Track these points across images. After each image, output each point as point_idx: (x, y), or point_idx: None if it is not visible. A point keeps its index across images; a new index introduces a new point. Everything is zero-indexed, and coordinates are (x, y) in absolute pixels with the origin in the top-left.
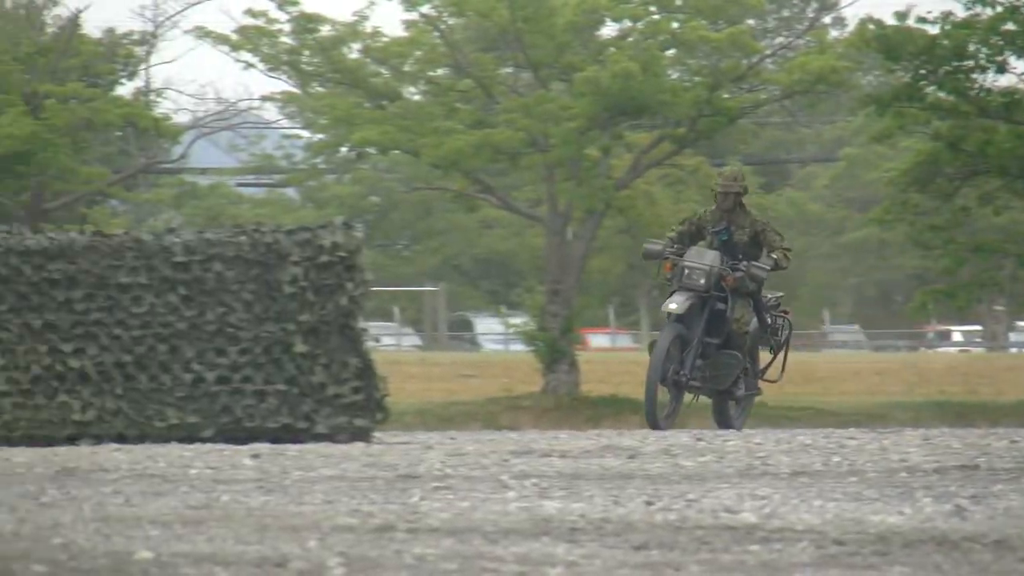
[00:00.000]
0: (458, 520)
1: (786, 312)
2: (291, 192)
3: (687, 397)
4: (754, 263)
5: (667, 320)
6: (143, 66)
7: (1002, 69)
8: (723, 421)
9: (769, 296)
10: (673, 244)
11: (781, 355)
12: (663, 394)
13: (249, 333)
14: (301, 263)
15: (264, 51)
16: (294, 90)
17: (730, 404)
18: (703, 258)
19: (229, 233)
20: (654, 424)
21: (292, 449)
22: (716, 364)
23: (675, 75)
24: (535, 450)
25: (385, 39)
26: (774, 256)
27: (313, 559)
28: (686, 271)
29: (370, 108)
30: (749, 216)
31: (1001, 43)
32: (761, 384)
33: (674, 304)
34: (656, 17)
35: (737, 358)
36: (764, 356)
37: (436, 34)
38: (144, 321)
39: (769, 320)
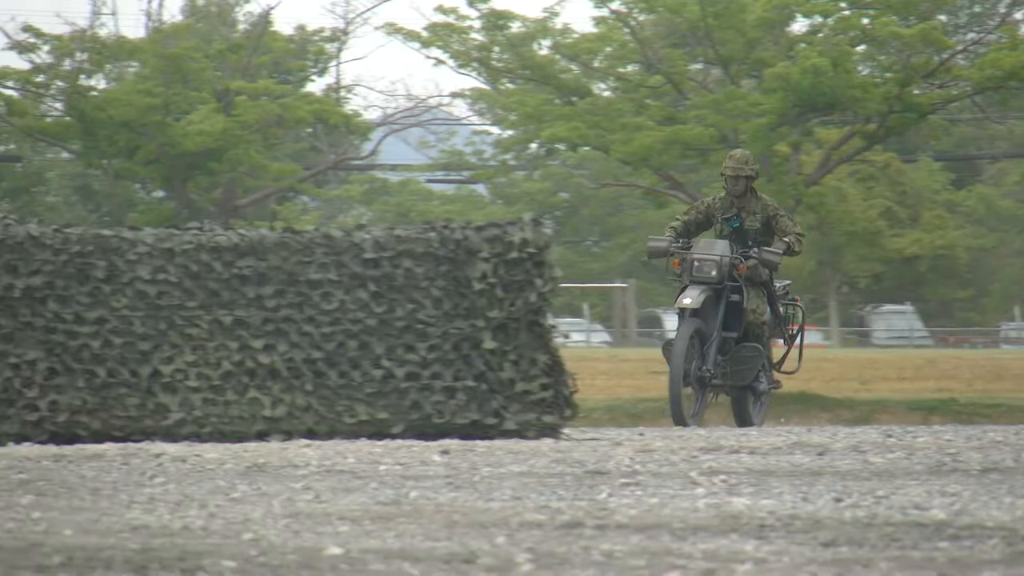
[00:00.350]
0: (646, 516)
1: (796, 300)
2: (480, 188)
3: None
4: (766, 248)
5: (681, 317)
6: (334, 63)
7: None
8: (744, 418)
9: (777, 284)
10: (678, 237)
11: (797, 345)
12: (687, 392)
13: (438, 329)
14: (490, 259)
15: (454, 48)
16: (484, 86)
17: (750, 400)
18: (712, 249)
19: (418, 229)
20: (681, 423)
21: (481, 445)
22: (737, 359)
23: (865, 71)
24: (724, 447)
25: (575, 35)
26: (786, 240)
27: (501, 555)
28: (696, 264)
29: (560, 104)
30: (761, 201)
31: None
32: (778, 377)
33: (688, 299)
34: (846, 13)
35: (758, 350)
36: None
37: (626, 30)
38: (334, 317)
39: (781, 310)
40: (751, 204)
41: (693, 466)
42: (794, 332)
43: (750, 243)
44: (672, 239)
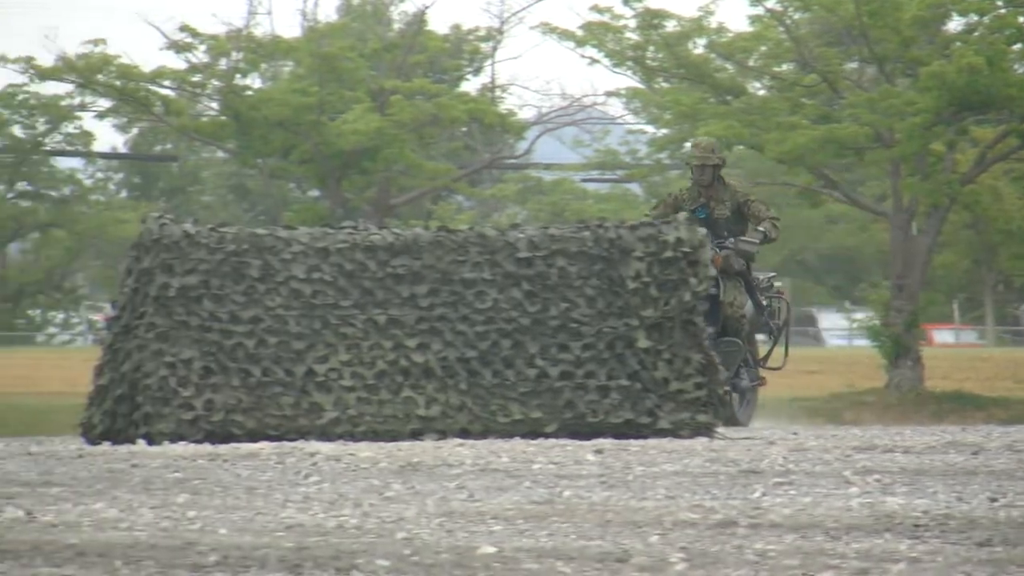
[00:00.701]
0: (800, 516)
1: (781, 293)
2: (635, 187)
3: None
4: (741, 238)
5: None
6: (489, 62)
7: None
8: (729, 418)
9: (761, 276)
10: None
11: (782, 340)
12: None
13: (592, 328)
14: (644, 259)
15: (609, 47)
16: (639, 85)
17: (734, 398)
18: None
19: (572, 229)
20: None
21: (635, 444)
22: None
23: (1021, 70)
24: (878, 446)
25: (730, 34)
26: (761, 228)
27: (655, 554)
28: None
29: (715, 103)
30: (729, 189)
31: None
32: (763, 373)
33: None
34: (1003, 11)
35: (737, 345)
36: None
37: (781, 29)
38: (488, 317)
39: (765, 302)
40: (719, 193)
41: (847, 465)
42: (779, 326)
43: (724, 233)
44: None
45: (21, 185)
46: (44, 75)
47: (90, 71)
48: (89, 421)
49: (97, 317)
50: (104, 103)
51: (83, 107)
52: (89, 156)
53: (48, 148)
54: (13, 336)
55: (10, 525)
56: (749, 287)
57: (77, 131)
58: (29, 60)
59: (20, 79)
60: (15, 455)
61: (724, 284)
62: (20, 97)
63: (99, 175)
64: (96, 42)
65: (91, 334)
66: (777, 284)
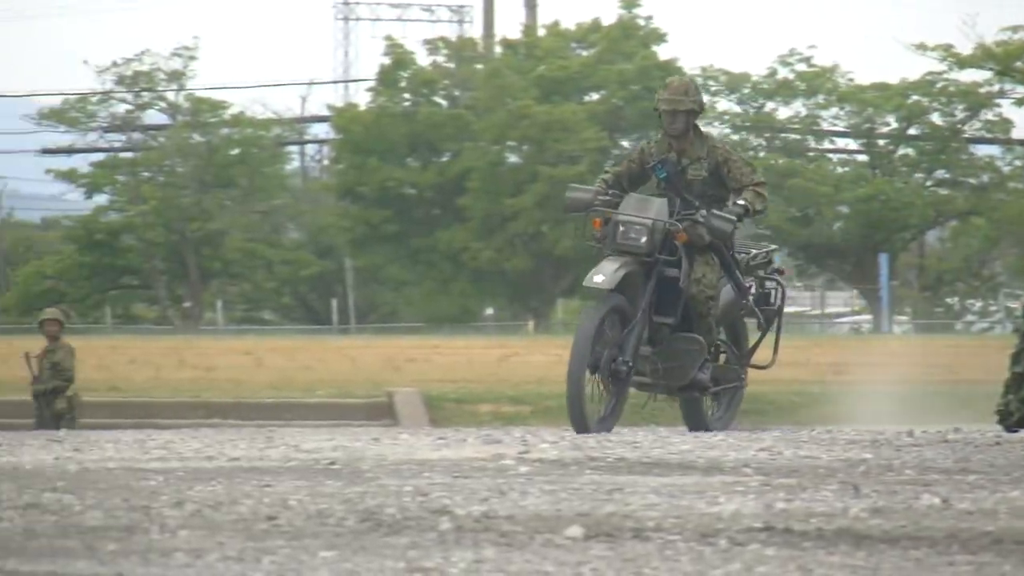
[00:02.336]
0: None
1: (781, 272)
2: None
3: (640, 397)
4: (716, 212)
5: (599, 295)
6: None
7: None
8: (698, 423)
9: (754, 251)
10: (607, 190)
11: (773, 332)
12: (596, 389)
13: None
14: None
15: None
16: None
17: (706, 401)
18: (645, 209)
19: None
20: (582, 428)
21: None
22: (670, 352)
23: None
24: None
25: None
26: (743, 200)
27: None
28: (621, 228)
29: None
30: (707, 143)
31: None
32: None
33: (601, 276)
34: None
35: (698, 342)
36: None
37: None
38: None
39: (754, 285)
40: (694, 147)
41: None
42: (772, 313)
43: (696, 199)
44: (600, 191)
45: (940, 173)
46: (963, 63)
47: (1008, 58)
48: (1006, 408)
49: (1014, 305)
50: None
51: (1002, 94)
52: (1008, 143)
53: (967, 135)
54: (932, 324)
55: (926, 512)
56: (728, 266)
57: (996, 118)
58: (948, 48)
59: (939, 67)
60: (933, 443)
61: (691, 262)
62: (939, 85)
63: (1017, 163)
64: (1014, 29)
65: (1008, 322)
66: (775, 261)
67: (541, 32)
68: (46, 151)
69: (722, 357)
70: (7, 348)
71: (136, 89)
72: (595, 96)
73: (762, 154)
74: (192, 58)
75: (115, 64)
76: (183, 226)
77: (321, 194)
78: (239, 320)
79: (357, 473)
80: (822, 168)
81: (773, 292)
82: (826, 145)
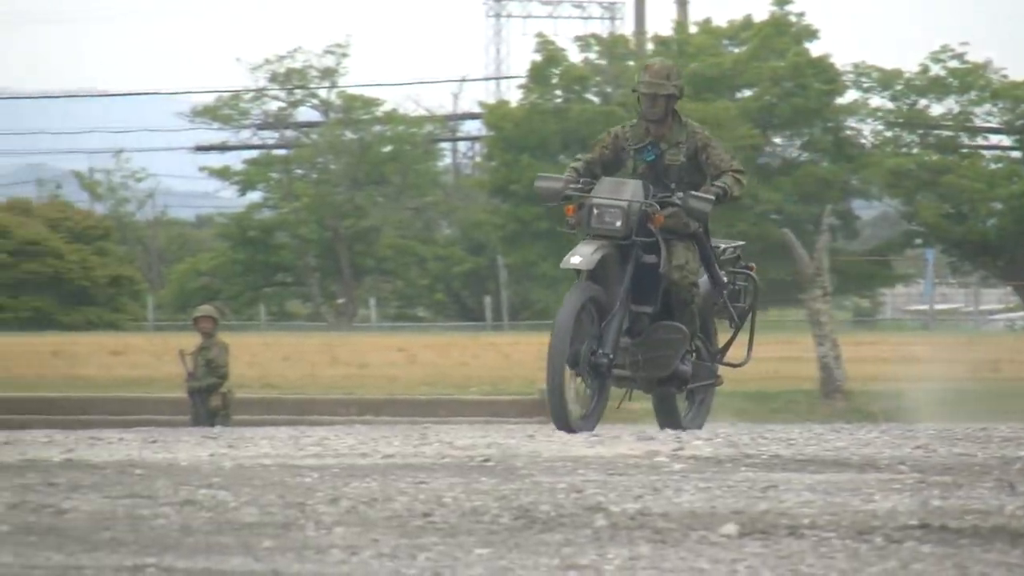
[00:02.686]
0: None
1: (750, 268)
2: None
3: (613, 391)
4: (692, 193)
5: (575, 281)
6: None
7: None
8: (670, 420)
9: (723, 246)
10: (579, 179)
11: (747, 328)
12: (575, 384)
13: None
14: None
15: None
16: None
17: (678, 397)
18: (619, 191)
19: None
20: (565, 425)
21: None
22: (651, 342)
23: None
24: None
25: None
26: (721, 183)
27: None
28: (595, 211)
29: None
30: (686, 129)
31: None
32: (721, 370)
33: (578, 257)
34: None
35: (680, 331)
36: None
37: None
38: None
39: (727, 280)
40: (673, 132)
41: None
42: (744, 311)
43: (673, 184)
44: (571, 179)
45: None
46: None
47: None
48: None
49: None
50: None
51: None
52: None
53: None
54: None
55: None
56: (706, 256)
57: None
58: None
59: None
60: None
61: (670, 249)
62: None
63: None
64: None
65: None
66: (739, 258)
67: (692, 29)
68: (199, 148)
69: (692, 355)
70: (162, 345)
71: (289, 86)
72: (747, 93)
73: (915, 150)
74: (344, 55)
75: (268, 61)
76: (336, 223)
77: (473, 191)
78: (392, 317)
79: (511, 470)
80: (975, 165)
81: (743, 289)
82: (979, 141)
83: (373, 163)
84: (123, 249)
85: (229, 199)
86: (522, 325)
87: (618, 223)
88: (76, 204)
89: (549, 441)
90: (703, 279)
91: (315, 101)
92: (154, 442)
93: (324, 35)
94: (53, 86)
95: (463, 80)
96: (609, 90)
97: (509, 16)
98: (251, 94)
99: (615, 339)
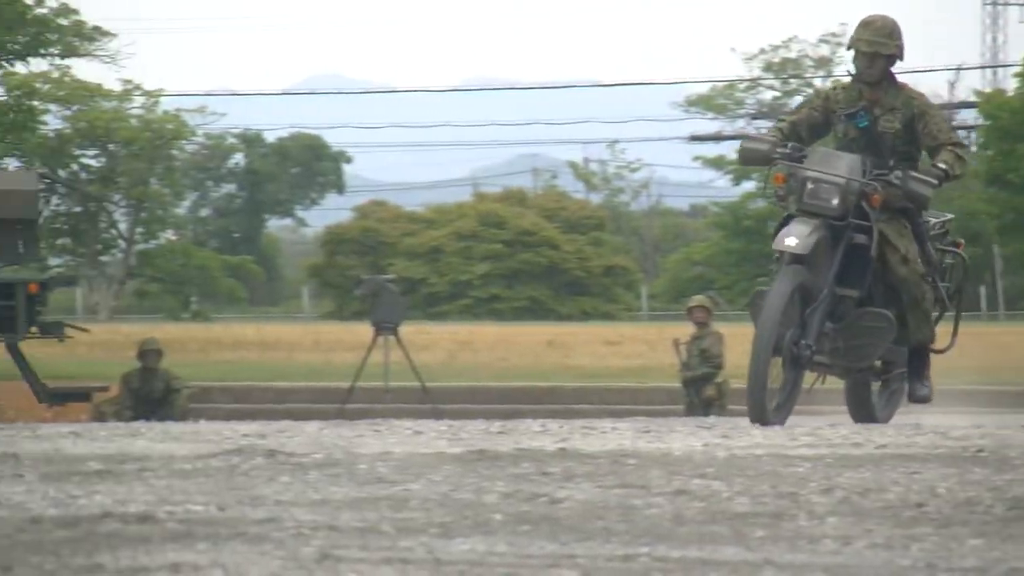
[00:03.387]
0: None
1: (958, 245)
2: None
3: (807, 378)
4: (912, 173)
5: (781, 263)
6: None
7: None
8: (862, 413)
9: (932, 220)
10: (785, 140)
11: (953, 311)
12: (775, 372)
13: None
14: None
15: None
16: None
17: (874, 387)
18: (836, 165)
19: None
20: (760, 417)
21: None
22: (856, 329)
23: None
24: None
25: None
26: (942, 163)
27: None
28: (810, 186)
29: None
30: (903, 93)
31: None
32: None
33: (793, 239)
34: None
35: (887, 319)
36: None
37: None
38: None
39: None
40: (889, 97)
41: None
42: (951, 292)
43: (889, 155)
44: (777, 141)
45: None
46: None
47: None
48: None
49: None
50: None
51: None
52: None
53: None
54: None
55: None
56: (919, 234)
57: None
58: None
59: None
60: None
61: (885, 231)
62: None
63: None
64: None
65: None
66: (947, 233)
67: None
68: (694, 138)
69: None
70: (657, 334)
71: (784, 76)
72: None
73: None
74: (840, 44)
75: (763, 51)
76: None
77: (969, 180)
78: None
79: (1005, 461)
80: None
81: (950, 268)
82: None
83: None
84: (618, 239)
85: (723, 188)
86: (1020, 315)
87: (835, 201)
88: (571, 194)
89: None
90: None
91: (810, 91)
92: (647, 432)
93: (821, 24)
94: (554, 76)
95: (959, 68)
96: None
97: (1007, 4)
98: (745, 83)
99: (819, 328)
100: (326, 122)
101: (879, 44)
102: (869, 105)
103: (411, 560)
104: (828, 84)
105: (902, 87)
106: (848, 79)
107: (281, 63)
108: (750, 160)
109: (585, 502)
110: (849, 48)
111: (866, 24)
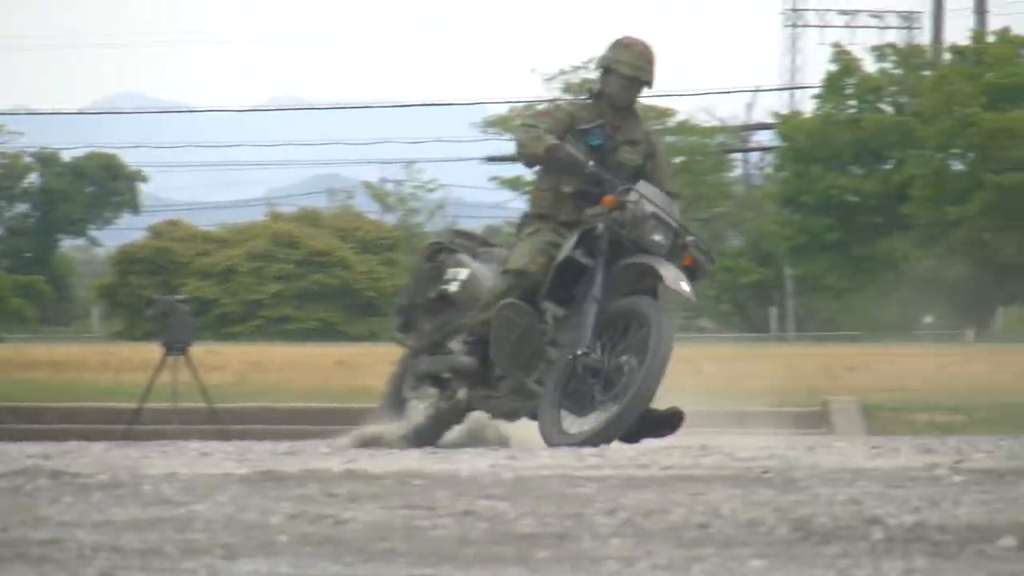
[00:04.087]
0: None
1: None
2: None
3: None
4: (701, 245)
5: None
6: None
7: None
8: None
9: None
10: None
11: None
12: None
13: None
14: None
15: None
16: None
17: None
18: (669, 207)
19: None
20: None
21: None
22: None
23: None
24: None
25: None
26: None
27: None
28: (651, 223)
29: None
30: (642, 127)
31: None
32: None
33: (685, 285)
34: None
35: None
36: None
37: None
38: None
39: None
40: (630, 126)
41: None
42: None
43: (617, 185)
44: (587, 156)
45: None
46: None
47: None
48: None
49: None
50: None
51: None
52: None
53: None
54: None
55: None
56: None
57: None
58: None
59: None
60: None
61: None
62: None
63: None
64: None
65: None
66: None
67: (990, 39)
68: (490, 159)
69: None
70: None
71: (583, 97)
72: None
73: None
74: None
75: (562, 72)
76: None
77: (763, 201)
78: (679, 328)
79: (791, 482)
80: None
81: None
82: None
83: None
84: (411, 260)
85: (518, 209)
86: (807, 336)
87: (666, 245)
88: (367, 214)
89: (829, 453)
90: None
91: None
92: (435, 453)
93: None
94: (348, 96)
95: (757, 90)
96: (904, 100)
97: (806, 26)
98: (543, 104)
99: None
100: (124, 141)
101: (641, 70)
102: (611, 130)
103: None
104: (567, 102)
105: (640, 119)
106: (589, 100)
107: (81, 82)
108: (566, 167)
109: (370, 523)
110: (603, 68)
111: (627, 46)
